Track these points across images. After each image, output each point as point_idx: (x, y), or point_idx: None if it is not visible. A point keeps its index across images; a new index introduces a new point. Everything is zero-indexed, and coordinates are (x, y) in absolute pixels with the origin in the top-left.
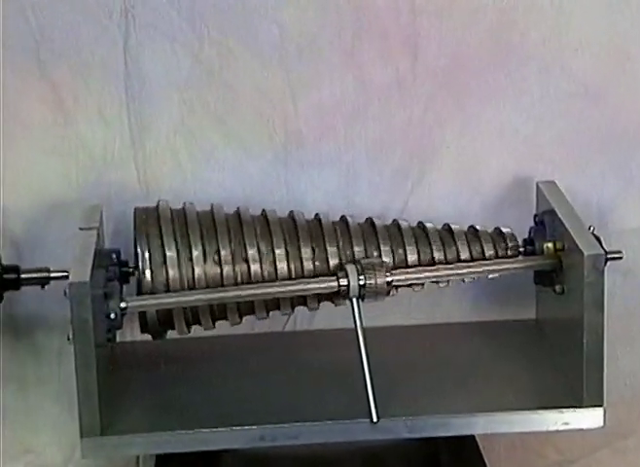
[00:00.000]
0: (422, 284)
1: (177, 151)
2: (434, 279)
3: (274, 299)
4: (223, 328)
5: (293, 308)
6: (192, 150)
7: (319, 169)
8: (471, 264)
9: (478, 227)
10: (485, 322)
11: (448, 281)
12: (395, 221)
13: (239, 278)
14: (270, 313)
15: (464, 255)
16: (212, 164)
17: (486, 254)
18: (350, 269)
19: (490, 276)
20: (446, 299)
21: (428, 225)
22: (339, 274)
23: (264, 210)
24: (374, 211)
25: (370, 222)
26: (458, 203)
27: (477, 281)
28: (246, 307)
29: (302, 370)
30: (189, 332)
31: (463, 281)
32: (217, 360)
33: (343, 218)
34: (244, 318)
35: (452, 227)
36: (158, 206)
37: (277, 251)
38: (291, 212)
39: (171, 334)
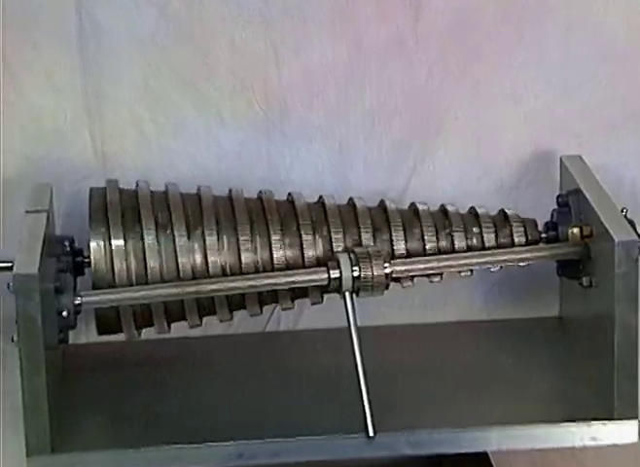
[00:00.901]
0: (426, 276)
1: (140, 121)
2: (439, 270)
3: (254, 294)
4: (198, 329)
5: (292, 304)
6: (157, 120)
7: (306, 143)
8: (482, 252)
9: (490, 210)
10: (500, 321)
11: (458, 273)
12: (394, 203)
13: (211, 270)
14: (251, 310)
15: (474, 243)
16: (182, 137)
17: (501, 241)
18: (342, 258)
19: (505, 267)
20: (454, 294)
21: (433, 208)
22: (330, 265)
23: (230, 190)
24: (371, 192)
25: (365, 204)
26: (468, 183)
27: (490, 273)
28: (221, 304)
29: (286, 376)
30: (167, 330)
31: (471, 272)
32: (187, 365)
33: (327, 200)
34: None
35: (461, 210)
36: (115, 186)
37: (246, 240)
38: (263, 194)
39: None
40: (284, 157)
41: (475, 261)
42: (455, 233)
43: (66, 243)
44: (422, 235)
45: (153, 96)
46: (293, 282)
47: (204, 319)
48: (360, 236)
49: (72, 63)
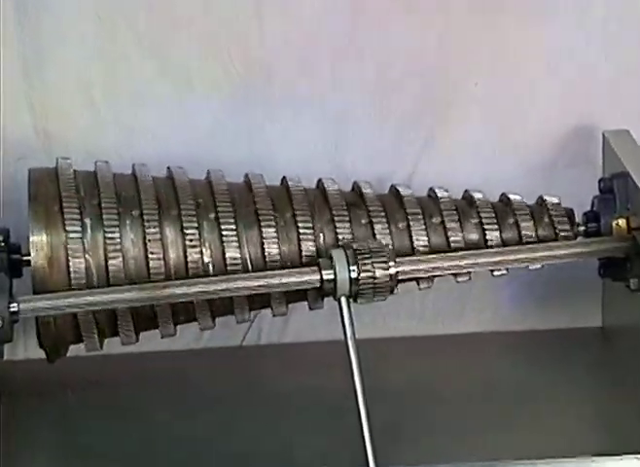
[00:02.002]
0: (439, 276)
1: (91, 88)
2: (454, 271)
3: (227, 300)
4: (158, 342)
5: (286, 308)
6: (112, 87)
7: (295, 118)
8: (506, 249)
9: (516, 196)
10: (529, 332)
11: (490, 272)
12: (399, 190)
13: (176, 271)
14: (224, 320)
15: (496, 237)
16: (142, 107)
17: (527, 235)
18: (337, 255)
19: (534, 267)
20: (474, 299)
21: (445, 195)
22: (322, 264)
23: (209, 172)
24: (372, 176)
25: (365, 191)
26: (489, 164)
27: (516, 274)
28: (187, 312)
29: (268, 401)
30: (101, 347)
31: (492, 273)
32: (147, 386)
33: (327, 185)
34: (187, 326)
35: (480, 198)
36: (61, 167)
37: (230, 233)
38: (246, 177)
39: (79, 350)
40: (267, 133)
41: (496, 260)
42: (487, 225)
43: (0, 238)
44: (444, 227)
45: (107, 59)
46: (276, 285)
47: (198, 326)
48: (372, 228)
49: (6, 15)
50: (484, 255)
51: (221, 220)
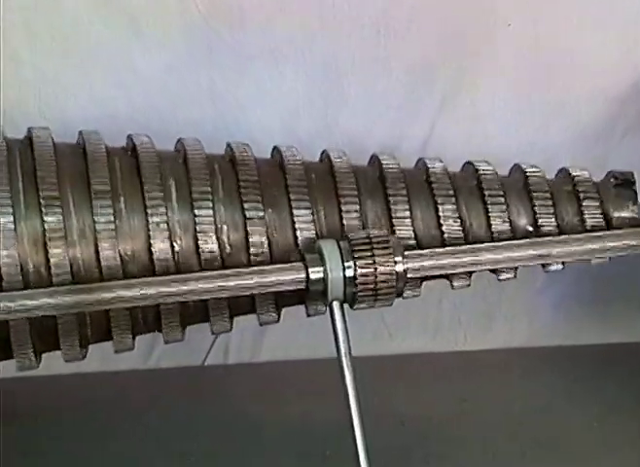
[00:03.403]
0: (459, 275)
1: (10, 30)
2: (477, 268)
3: (201, 304)
4: (100, 359)
5: (277, 314)
6: (42, 36)
7: (272, 68)
8: (545, 239)
9: (582, 172)
10: (569, 348)
11: (542, 267)
12: (428, 165)
13: (157, 265)
14: (217, 325)
15: (552, 223)
16: (72, 58)
17: (570, 221)
18: (328, 247)
19: (598, 260)
20: (504, 306)
21: (488, 170)
22: (309, 259)
23: (181, 142)
24: (375, 144)
25: (397, 164)
26: (526, 129)
27: (555, 273)
28: (139, 320)
29: (237, 436)
30: (37, 364)
31: (544, 269)
32: (85, 416)
33: (335, 157)
34: (138, 339)
35: (534, 173)
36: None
37: (205, 218)
38: (234, 149)
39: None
40: (237, 88)
41: (530, 254)
42: (541, 209)
43: None
44: (487, 211)
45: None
46: (246, 287)
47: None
48: (389, 211)
49: None
50: (511, 248)
51: (195, 203)
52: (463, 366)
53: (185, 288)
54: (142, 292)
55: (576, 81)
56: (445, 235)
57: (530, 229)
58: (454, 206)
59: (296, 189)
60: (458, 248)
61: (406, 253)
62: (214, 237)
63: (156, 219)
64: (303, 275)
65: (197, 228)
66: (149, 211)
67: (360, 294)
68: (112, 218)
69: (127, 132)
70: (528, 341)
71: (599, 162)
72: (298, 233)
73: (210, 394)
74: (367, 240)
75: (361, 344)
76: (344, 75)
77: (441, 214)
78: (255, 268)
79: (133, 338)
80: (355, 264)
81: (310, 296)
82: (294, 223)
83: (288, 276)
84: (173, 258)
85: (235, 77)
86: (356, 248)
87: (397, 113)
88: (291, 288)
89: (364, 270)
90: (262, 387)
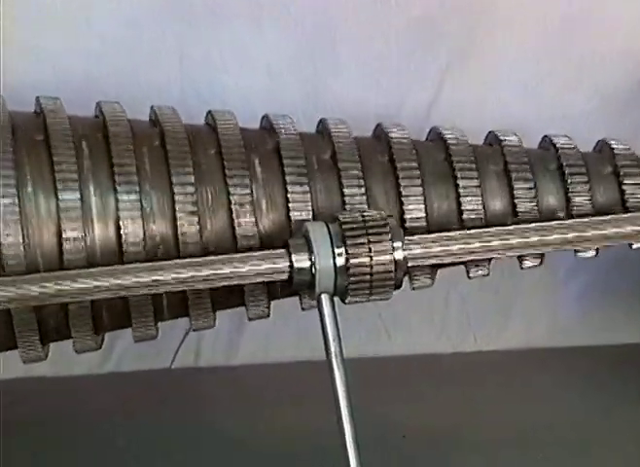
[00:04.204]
0: (465, 264)
1: None
2: (487, 255)
3: (179, 295)
4: (50, 362)
5: (267, 306)
6: None
7: (254, 25)
8: (568, 222)
9: (618, 144)
10: (600, 348)
11: (575, 252)
12: (444, 134)
13: (127, 251)
14: (198, 320)
15: (586, 202)
16: (30, 17)
17: (607, 200)
18: (315, 230)
19: (612, 244)
20: (521, 301)
21: (512, 141)
22: (293, 244)
23: (155, 112)
24: (371, 113)
25: (408, 135)
26: (544, 95)
27: (581, 261)
28: (119, 314)
29: (209, 450)
30: (42, 355)
31: (576, 254)
32: (31, 425)
33: (347, 128)
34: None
35: (565, 145)
36: None
37: (185, 197)
38: (216, 119)
39: None
40: (209, 47)
41: (552, 238)
42: (575, 187)
43: None
44: (511, 189)
45: None
46: (219, 277)
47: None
48: (399, 194)
49: None
50: (529, 232)
51: (174, 178)
52: (473, 370)
53: (145, 279)
54: (96, 284)
55: (603, 39)
56: (465, 216)
57: (560, 213)
58: (477, 184)
59: (290, 164)
60: (467, 233)
61: (406, 238)
62: (195, 221)
63: (125, 198)
64: (286, 264)
65: (177, 206)
66: (120, 188)
67: (353, 285)
68: (77, 201)
69: (83, 96)
70: (548, 340)
71: (628, 134)
72: (291, 214)
73: (178, 402)
74: (361, 223)
75: (354, 344)
76: (336, 33)
77: (461, 192)
78: (227, 255)
79: (97, 335)
80: (347, 250)
81: (295, 288)
82: (288, 203)
83: (268, 265)
84: (148, 242)
85: (207, 34)
86: (348, 232)
87: (396, 78)
88: (271, 279)
89: (357, 259)
90: (238, 394)
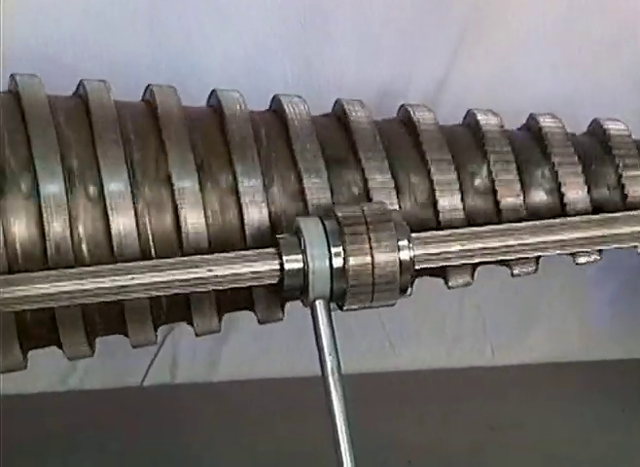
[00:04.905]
0: (515, 262)
1: None
2: (505, 255)
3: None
4: (6, 377)
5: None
6: None
7: None
8: (592, 217)
9: (610, 125)
10: (636, 361)
11: (589, 256)
12: (477, 116)
13: (119, 250)
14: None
15: (574, 195)
16: None
17: (630, 192)
18: (309, 227)
19: None
20: (544, 305)
21: (553, 126)
22: (283, 243)
23: (151, 91)
24: (372, 91)
25: (432, 117)
26: (569, 71)
27: (614, 259)
28: (77, 319)
29: None
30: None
31: (591, 256)
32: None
33: (362, 110)
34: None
35: (618, 131)
36: None
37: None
38: (216, 99)
39: None
40: (184, 13)
41: (576, 237)
42: (629, 172)
43: None
44: (557, 181)
45: None
46: (198, 282)
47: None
48: (430, 178)
49: None
50: (551, 229)
51: (172, 168)
52: (490, 386)
53: (104, 284)
54: (60, 288)
55: (637, 7)
56: (502, 208)
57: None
58: (514, 170)
59: (300, 149)
60: (482, 229)
61: (413, 235)
62: (169, 215)
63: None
64: (276, 266)
65: (178, 198)
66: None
67: (352, 289)
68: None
69: (47, 67)
70: (577, 353)
71: None
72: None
73: (151, 422)
74: (361, 218)
75: (354, 358)
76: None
77: (495, 179)
78: (209, 256)
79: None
80: (345, 249)
81: (286, 293)
82: (303, 193)
83: (255, 267)
84: (139, 238)
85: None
86: (347, 228)
87: (401, 51)
88: (259, 283)
89: (357, 259)
90: (219, 414)
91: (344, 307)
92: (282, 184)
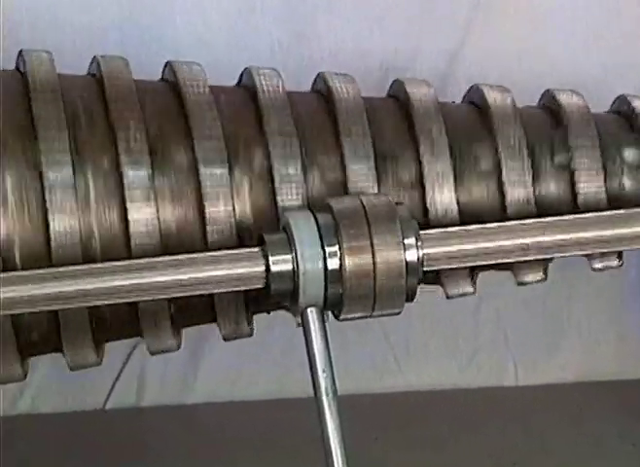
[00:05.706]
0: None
1: None
2: (526, 256)
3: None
4: None
5: (230, 329)
6: None
7: None
8: (615, 213)
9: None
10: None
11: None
12: (485, 93)
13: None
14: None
15: (592, 187)
16: None
17: None
18: (299, 223)
19: None
20: (574, 317)
21: (573, 101)
22: (269, 240)
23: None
24: (376, 60)
25: (430, 97)
26: (597, 45)
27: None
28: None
29: None
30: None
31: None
32: None
33: (337, 86)
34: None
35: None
36: None
37: (134, 173)
38: (168, 68)
39: None
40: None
41: (599, 235)
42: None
43: None
44: (570, 168)
45: None
46: (173, 286)
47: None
48: (422, 174)
49: None
50: (571, 226)
51: (121, 155)
52: (512, 410)
53: (79, 287)
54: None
55: None
56: (508, 201)
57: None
58: (525, 162)
59: (277, 132)
60: (497, 225)
61: (421, 232)
62: (149, 208)
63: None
64: (261, 268)
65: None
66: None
67: (350, 296)
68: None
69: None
70: (613, 371)
71: None
72: (278, 199)
73: (114, 450)
74: (360, 211)
75: (352, 377)
76: None
77: (503, 170)
78: (184, 256)
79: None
80: (341, 248)
81: (273, 298)
82: (273, 185)
83: (237, 269)
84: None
85: None
86: (343, 223)
87: (409, 19)
88: (242, 287)
89: (355, 259)
90: (192, 441)
91: (341, 316)
92: (250, 169)
